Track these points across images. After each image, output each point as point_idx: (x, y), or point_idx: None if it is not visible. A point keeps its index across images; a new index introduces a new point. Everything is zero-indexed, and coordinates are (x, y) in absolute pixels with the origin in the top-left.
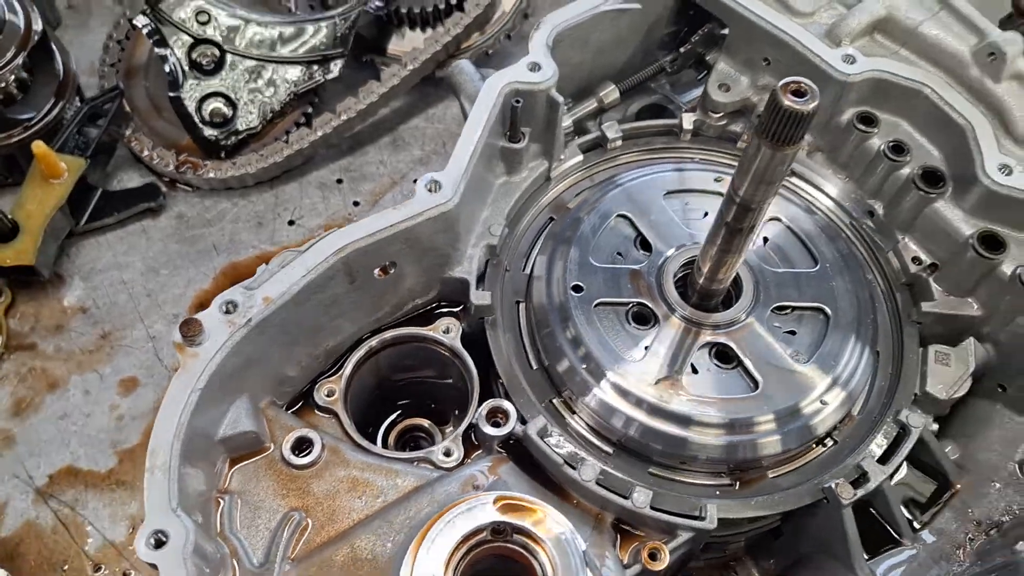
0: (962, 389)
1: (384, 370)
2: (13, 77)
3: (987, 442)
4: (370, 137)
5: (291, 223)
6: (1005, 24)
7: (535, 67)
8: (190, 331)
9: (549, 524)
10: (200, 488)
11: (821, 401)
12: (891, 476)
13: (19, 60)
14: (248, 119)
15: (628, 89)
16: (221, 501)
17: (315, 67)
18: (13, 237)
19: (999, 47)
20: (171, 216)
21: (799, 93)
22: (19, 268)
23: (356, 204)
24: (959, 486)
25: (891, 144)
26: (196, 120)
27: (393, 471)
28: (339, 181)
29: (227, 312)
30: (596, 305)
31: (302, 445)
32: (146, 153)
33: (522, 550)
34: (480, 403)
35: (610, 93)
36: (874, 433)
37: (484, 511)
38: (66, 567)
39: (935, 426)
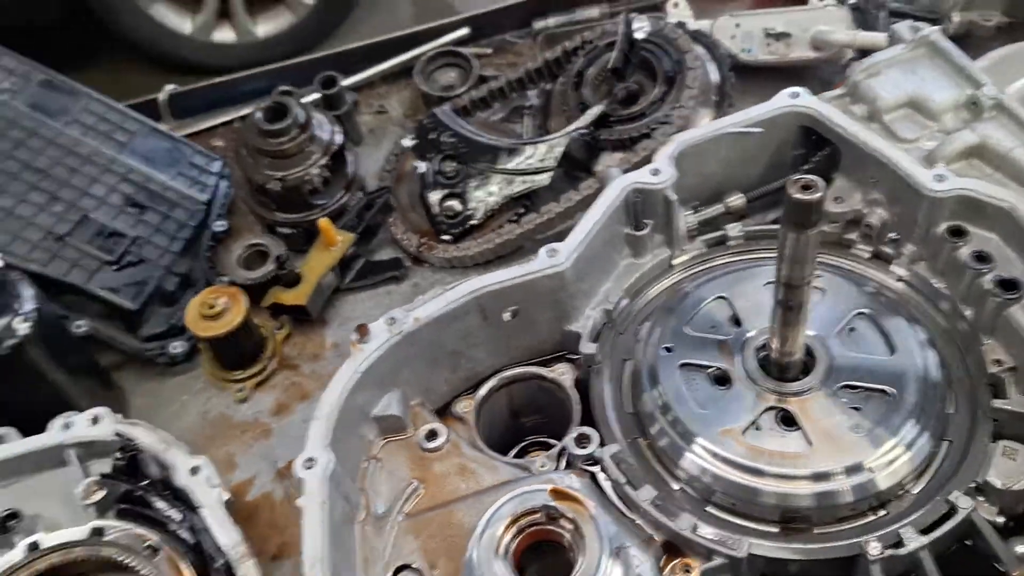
0: (1021, 483)
1: (516, 404)
2: (318, 174)
3: None
4: (566, 233)
5: None
6: None
7: (656, 172)
8: (361, 333)
9: (592, 517)
10: (354, 448)
11: (870, 468)
12: (928, 548)
13: (323, 162)
14: (474, 215)
15: (754, 199)
16: (368, 464)
17: (530, 178)
18: (296, 284)
19: None
20: (409, 284)
21: (807, 187)
22: (297, 308)
23: None
24: (1016, 574)
25: (975, 254)
26: (436, 212)
27: (495, 467)
28: None
29: (389, 324)
30: (682, 365)
31: (433, 435)
32: (399, 235)
33: (564, 533)
34: None
35: (736, 200)
36: (923, 509)
37: (539, 496)
38: (286, 531)
39: (1000, 519)
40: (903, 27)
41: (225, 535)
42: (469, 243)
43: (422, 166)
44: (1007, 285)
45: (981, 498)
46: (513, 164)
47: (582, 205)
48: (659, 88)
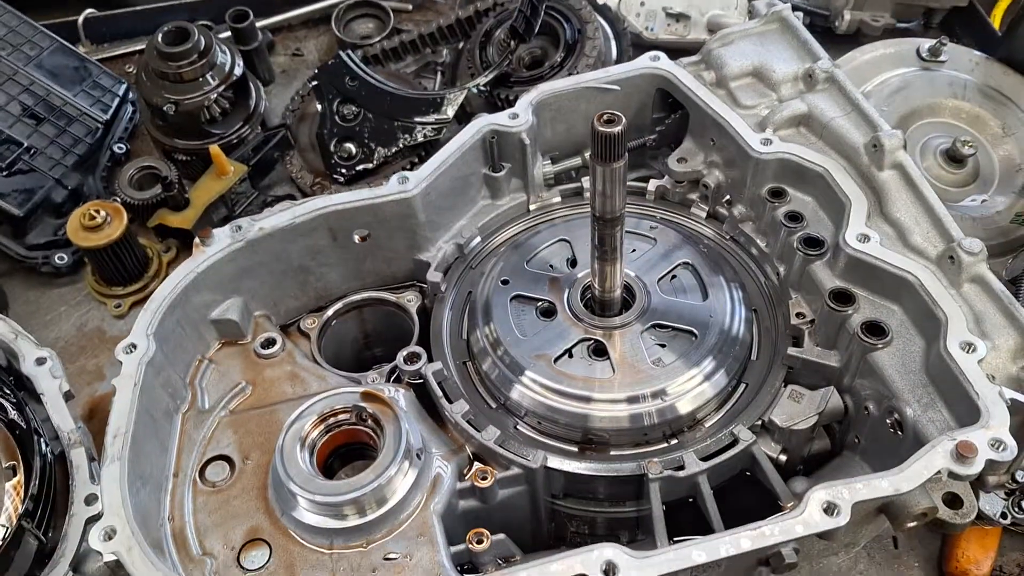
0: (802, 424)
1: (368, 330)
2: (216, 102)
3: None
4: None
5: None
6: None
7: (514, 116)
8: (204, 235)
9: (396, 419)
10: (188, 346)
11: (663, 398)
12: (708, 474)
13: (222, 91)
14: (368, 159)
15: None
16: (203, 363)
17: (426, 129)
18: (183, 208)
19: (880, 140)
20: None
21: (610, 121)
22: (182, 231)
23: None
24: (788, 506)
25: (789, 213)
26: (331, 154)
27: (324, 377)
28: None
29: (234, 230)
30: (514, 297)
31: (269, 342)
32: (295, 173)
33: (371, 432)
34: None
35: None
36: (709, 439)
37: (351, 397)
38: None
39: (783, 457)
40: (760, 2)
41: (62, 421)
42: (361, 186)
43: (320, 107)
44: (811, 242)
45: (768, 437)
46: (412, 114)
47: None
48: (559, 54)
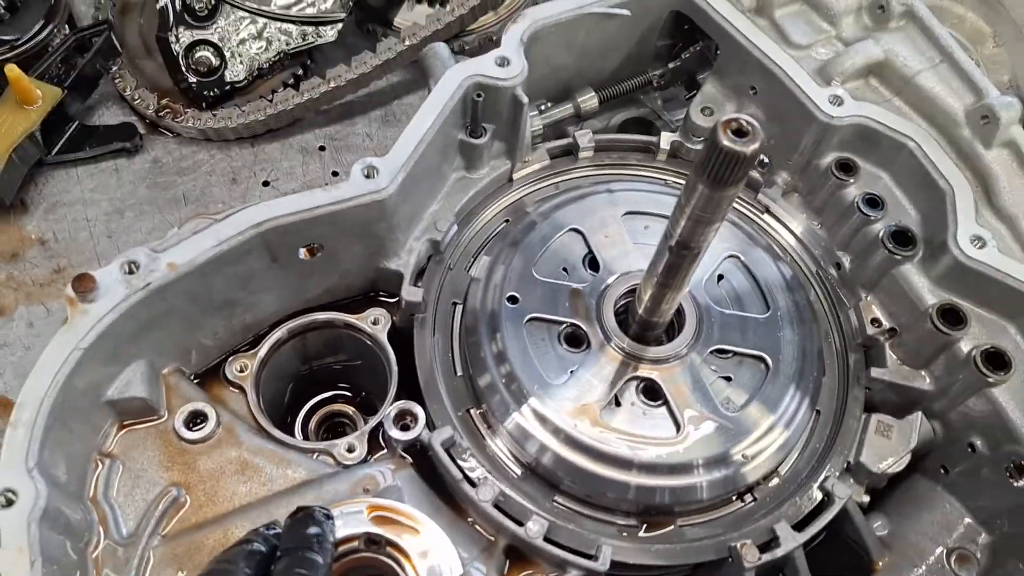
0: (898, 465)
1: (313, 353)
2: None
3: (920, 524)
4: (362, 108)
5: (266, 184)
6: None
7: (504, 62)
8: (83, 287)
9: (425, 541)
10: (77, 448)
11: (743, 455)
12: (806, 545)
13: None
14: (235, 72)
15: (610, 98)
16: (100, 464)
17: (310, 28)
18: None
19: (994, 110)
20: (146, 159)
21: (740, 133)
22: None
23: (335, 175)
24: (880, 565)
25: (866, 197)
26: (181, 66)
27: (286, 459)
28: (322, 148)
29: (128, 272)
30: (529, 320)
31: (196, 418)
32: (129, 92)
33: (393, 563)
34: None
35: (589, 100)
36: (796, 497)
37: (357, 520)
38: None
39: (866, 498)
40: None
41: None
42: (230, 110)
43: None
44: (901, 239)
45: (848, 478)
46: (293, 7)
47: (381, 72)
48: None
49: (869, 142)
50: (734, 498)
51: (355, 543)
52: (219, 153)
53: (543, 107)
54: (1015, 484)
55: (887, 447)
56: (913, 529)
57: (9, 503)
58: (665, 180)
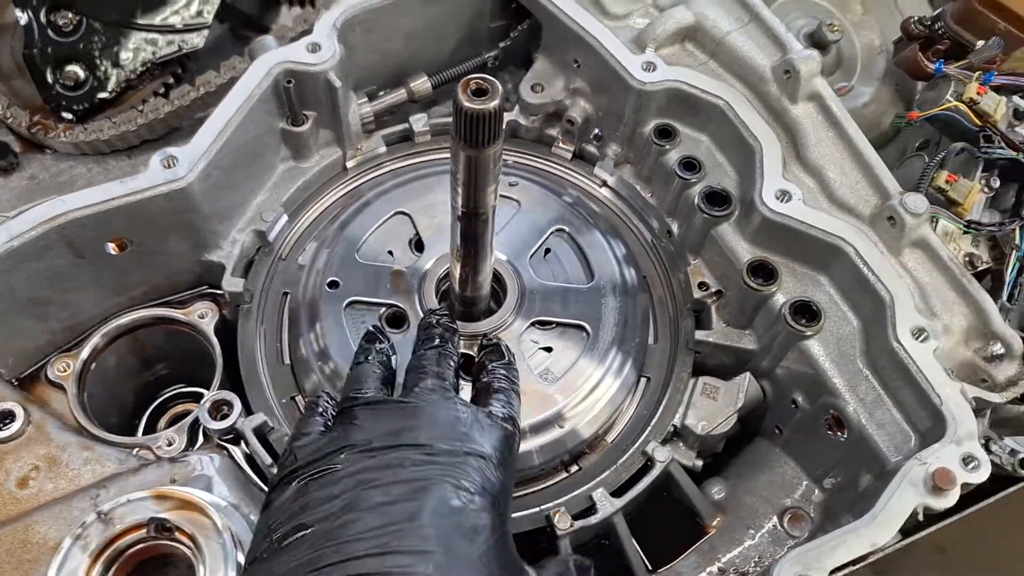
0: (723, 426)
1: (153, 351)
2: None
3: (756, 485)
4: None
5: None
6: (898, 47)
7: (315, 47)
8: None
9: (217, 526)
10: None
11: (559, 424)
12: (637, 512)
13: None
14: (103, 85)
15: (443, 82)
16: None
17: (176, 37)
18: None
19: (793, 64)
20: (23, 177)
21: (479, 92)
22: None
23: None
24: (712, 528)
25: (683, 160)
26: (49, 80)
27: (97, 455)
28: None
29: None
30: (349, 304)
31: (4, 418)
32: (1, 112)
33: (184, 548)
34: None
35: (422, 84)
36: (619, 463)
37: (142, 507)
38: None
39: (699, 462)
40: None
41: None
42: (102, 122)
43: (23, 16)
44: (715, 199)
45: (680, 443)
46: (157, 17)
47: None
48: None
49: (686, 106)
50: (560, 469)
51: (143, 531)
52: (96, 167)
53: (383, 94)
54: (832, 437)
55: (714, 409)
56: (749, 490)
57: None
58: (505, 160)
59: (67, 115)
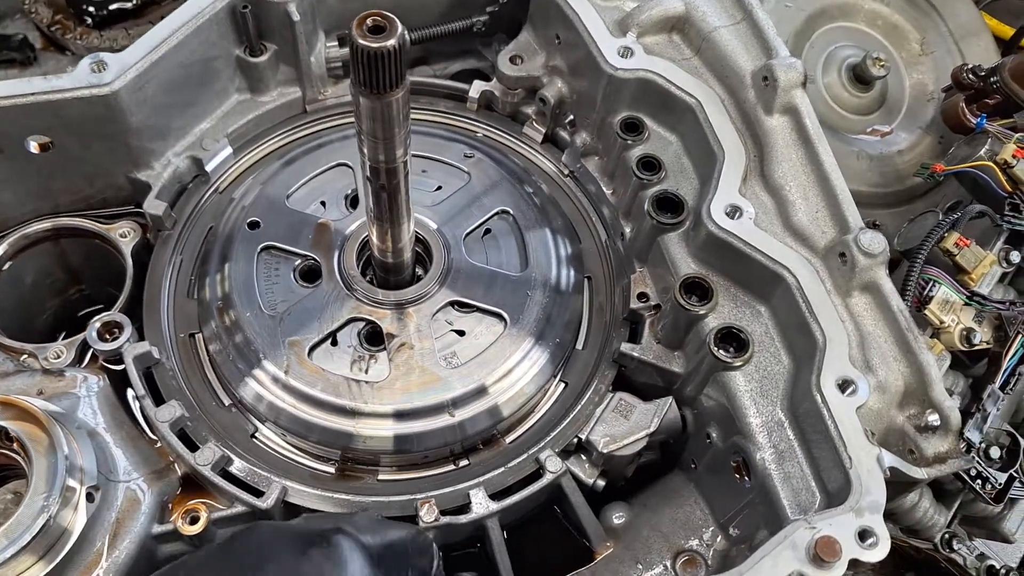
0: (629, 448)
1: (76, 264)
2: None
3: (659, 519)
4: None
5: None
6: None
7: None
8: None
9: (53, 441)
10: None
11: (450, 412)
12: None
13: None
14: None
15: (424, 40)
16: None
17: None
18: None
19: (773, 71)
20: (36, 73)
21: (377, 29)
22: None
23: None
24: (599, 556)
25: (643, 159)
26: None
27: None
28: None
29: None
30: (264, 248)
31: None
32: (28, 4)
33: (17, 457)
34: None
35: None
36: (508, 466)
37: None
38: None
39: (601, 482)
40: None
41: None
42: (117, 32)
43: None
44: (666, 205)
45: (584, 458)
46: None
47: None
48: None
49: (659, 101)
50: (449, 460)
51: None
52: None
53: (344, 38)
54: (739, 481)
55: (623, 428)
56: (650, 523)
57: None
58: (470, 130)
59: (87, 19)
